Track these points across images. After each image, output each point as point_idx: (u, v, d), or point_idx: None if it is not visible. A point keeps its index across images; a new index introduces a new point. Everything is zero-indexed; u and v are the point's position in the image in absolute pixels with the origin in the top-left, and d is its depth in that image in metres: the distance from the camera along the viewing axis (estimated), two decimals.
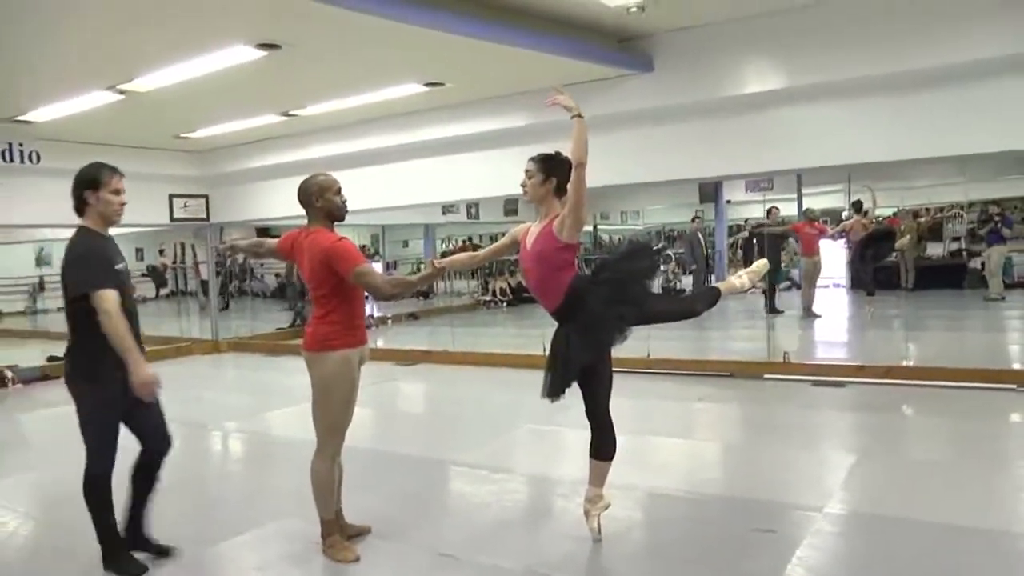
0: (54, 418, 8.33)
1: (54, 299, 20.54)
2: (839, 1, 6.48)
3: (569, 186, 3.52)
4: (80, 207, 3.65)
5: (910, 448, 5.69)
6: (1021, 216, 18.29)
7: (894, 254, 14.20)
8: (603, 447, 3.77)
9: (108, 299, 3.43)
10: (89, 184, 3.62)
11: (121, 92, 7.34)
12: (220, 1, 5.28)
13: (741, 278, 4.06)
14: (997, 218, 12.99)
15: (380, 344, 11.25)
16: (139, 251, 22.15)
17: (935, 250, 16.55)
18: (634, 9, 6.12)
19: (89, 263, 3.53)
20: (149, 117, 8.80)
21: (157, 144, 10.60)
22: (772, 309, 11.81)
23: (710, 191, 17.95)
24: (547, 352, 3.83)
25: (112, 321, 3.42)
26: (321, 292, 3.67)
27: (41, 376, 9.97)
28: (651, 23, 6.99)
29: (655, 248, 4.03)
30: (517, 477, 5.11)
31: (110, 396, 3.56)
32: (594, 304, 3.58)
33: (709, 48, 7.14)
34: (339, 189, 3.79)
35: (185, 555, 3.91)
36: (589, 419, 3.78)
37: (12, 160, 9.56)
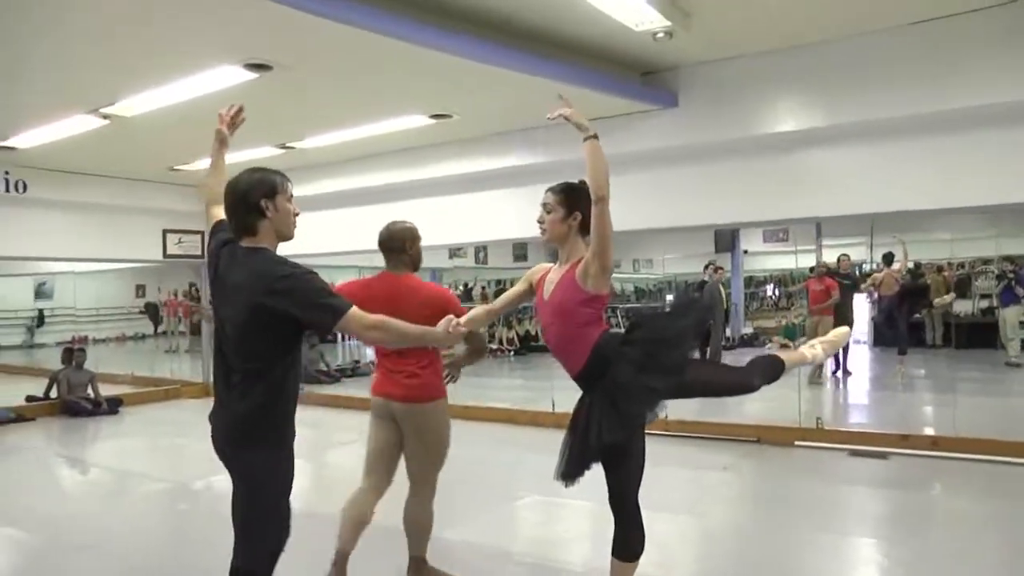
0: (23, 465, 7.80)
1: (52, 334, 20.03)
2: (873, 37, 5.95)
3: (592, 226, 2.87)
4: (252, 224, 2.75)
5: (964, 544, 4.82)
6: None
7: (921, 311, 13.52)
8: (629, 545, 3.07)
9: (364, 314, 2.65)
10: (267, 191, 2.75)
11: (105, 116, 6.85)
12: (201, 13, 4.75)
13: (814, 348, 3.38)
14: (1011, 275, 12.21)
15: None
16: (140, 288, 21.65)
17: (962, 307, 15.85)
18: (661, 35, 5.57)
19: (321, 286, 2.66)
20: (140, 146, 8.31)
21: (151, 176, 10.07)
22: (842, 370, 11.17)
23: (727, 240, 17.35)
24: (568, 420, 3.13)
25: (388, 325, 2.70)
26: None
27: (15, 418, 9.35)
28: (677, 55, 6.47)
29: (703, 304, 3.33)
30: (511, 562, 4.41)
31: (292, 466, 2.79)
32: (622, 370, 2.89)
33: (736, 83, 6.61)
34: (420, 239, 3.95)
35: None
36: (613, 509, 3.08)
37: None
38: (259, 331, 2.66)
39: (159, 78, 5.88)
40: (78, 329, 19.28)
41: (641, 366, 2.89)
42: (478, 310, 3.35)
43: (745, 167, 6.97)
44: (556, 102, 2.99)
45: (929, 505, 5.47)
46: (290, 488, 2.77)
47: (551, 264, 3.23)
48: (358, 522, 3.74)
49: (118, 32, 5.01)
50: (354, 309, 2.64)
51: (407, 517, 3.87)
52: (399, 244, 3.84)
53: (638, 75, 6.84)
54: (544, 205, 3.11)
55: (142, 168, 9.74)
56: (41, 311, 21.21)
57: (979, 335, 13.68)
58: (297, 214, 2.87)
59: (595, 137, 2.89)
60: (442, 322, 2.87)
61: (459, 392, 9.72)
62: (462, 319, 3.00)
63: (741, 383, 3.21)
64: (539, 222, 3.13)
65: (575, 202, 3.05)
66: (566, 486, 2.99)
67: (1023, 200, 6.07)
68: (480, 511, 5.50)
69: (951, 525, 5.14)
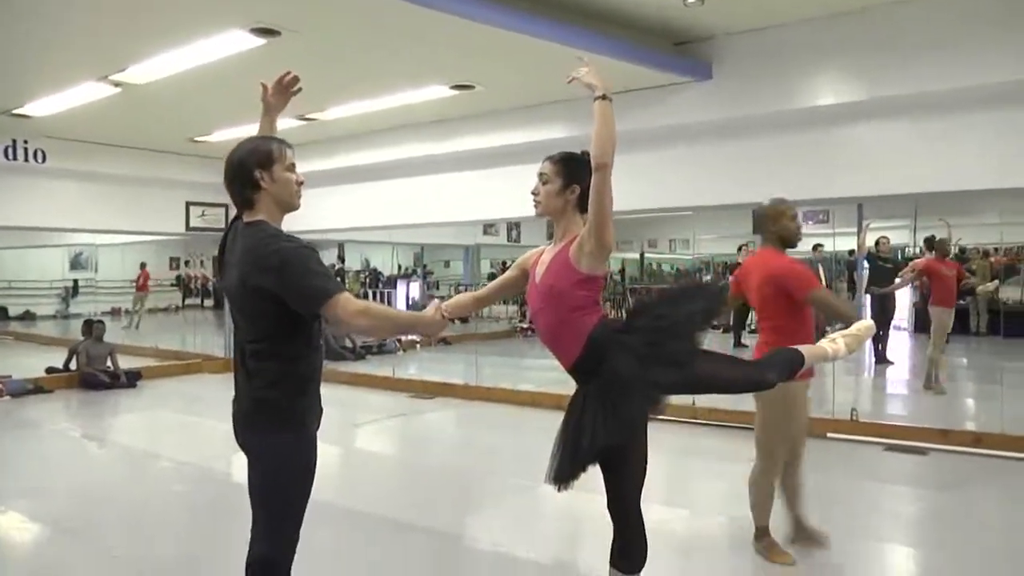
0: (35, 439, 7.70)
1: (87, 304, 20.12)
2: (921, 4, 5.55)
3: (590, 197, 2.57)
4: (249, 196, 2.54)
5: (1005, 550, 4.44)
6: None
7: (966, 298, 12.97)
8: (628, 555, 2.76)
9: (352, 299, 2.39)
10: (261, 161, 2.52)
11: (116, 84, 6.67)
12: None
13: (835, 343, 3.08)
14: None
15: (409, 372, 10.42)
16: (174, 260, 21.78)
17: (1011, 293, 15.21)
18: (692, 0, 5.21)
19: (312, 265, 2.39)
20: (157, 116, 8.15)
21: (172, 148, 9.92)
22: (881, 359, 10.56)
23: None
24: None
25: (373, 311, 2.46)
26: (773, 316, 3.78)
27: (33, 389, 9.30)
28: (711, 24, 6.11)
29: (714, 287, 3.04)
30: (522, 562, 4.16)
31: (314, 448, 2.57)
32: (621, 362, 2.57)
33: (773, 54, 6.24)
34: (795, 215, 3.87)
35: None
36: (611, 515, 2.77)
37: (16, 158, 9.05)
38: (257, 309, 2.47)
39: (164, 43, 5.68)
40: (112, 301, 19.39)
41: (642, 357, 2.57)
42: (464, 297, 3.13)
43: (783, 143, 6.60)
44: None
45: (969, 507, 5.09)
46: (311, 474, 2.56)
47: (546, 246, 2.91)
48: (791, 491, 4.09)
49: None
50: (344, 294, 2.37)
51: (749, 481, 4.03)
52: (761, 221, 3.93)
53: (670, 45, 6.48)
54: (540, 175, 2.80)
55: (162, 139, 9.58)
56: (76, 281, 21.35)
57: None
58: (301, 183, 2.63)
59: (605, 99, 2.60)
60: (430, 306, 2.61)
61: (481, 374, 9.63)
62: (446, 304, 2.70)
63: (754, 379, 2.96)
64: (533, 193, 2.82)
65: (574, 173, 2.74)
66: (558, 490, 2.68)
67: None
68: (489, 501, 5.26)
69: (991, 529, 4.76)
